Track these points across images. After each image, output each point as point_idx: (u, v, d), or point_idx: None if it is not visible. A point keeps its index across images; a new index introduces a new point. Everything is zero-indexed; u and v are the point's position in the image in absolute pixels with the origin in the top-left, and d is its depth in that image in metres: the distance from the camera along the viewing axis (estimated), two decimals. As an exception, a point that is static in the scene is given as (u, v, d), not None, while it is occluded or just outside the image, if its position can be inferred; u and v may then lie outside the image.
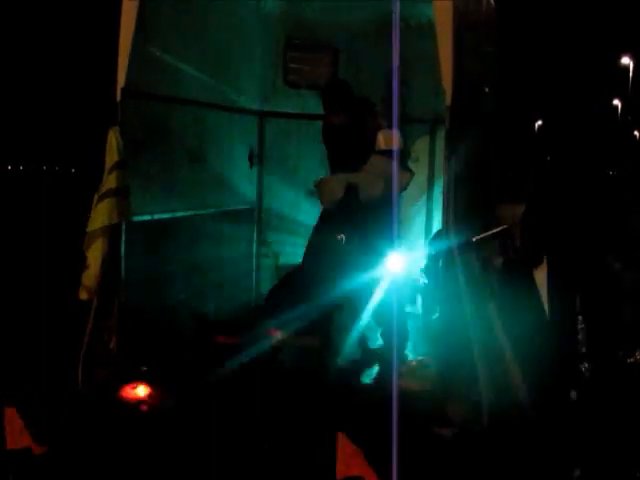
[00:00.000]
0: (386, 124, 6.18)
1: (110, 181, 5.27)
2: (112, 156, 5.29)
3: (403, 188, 6.28)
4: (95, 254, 5.23)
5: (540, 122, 62.06)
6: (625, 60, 51.09)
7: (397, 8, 5.52)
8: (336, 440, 4.20)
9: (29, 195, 24.81)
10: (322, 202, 6.18)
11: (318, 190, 6.20)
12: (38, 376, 5.48)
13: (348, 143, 6.13)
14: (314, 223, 6.52)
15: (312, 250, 6.37)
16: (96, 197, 5.29)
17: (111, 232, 5.28)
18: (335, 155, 6.28)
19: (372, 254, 6.12)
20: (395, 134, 6.08)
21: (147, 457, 4.53)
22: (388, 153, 5.98)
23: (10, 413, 4.48)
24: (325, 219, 6.22)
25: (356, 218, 6.09)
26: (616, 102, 56.42)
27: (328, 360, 5.76)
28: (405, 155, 6.31)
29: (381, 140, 6.00)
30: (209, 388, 5.13)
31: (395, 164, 5.99)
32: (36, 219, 16.47)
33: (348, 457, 4.12)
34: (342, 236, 6.06)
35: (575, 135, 51.36)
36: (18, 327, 7.02)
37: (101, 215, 5.23)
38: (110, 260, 5.30)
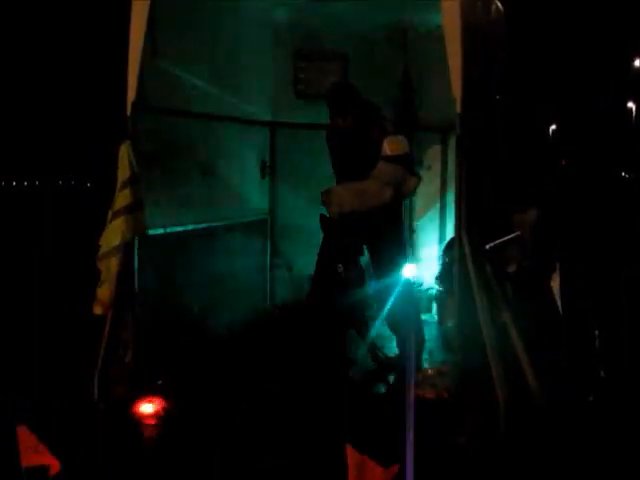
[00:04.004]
0: (392, 129, 6.13)
1: (124, 197, 5.27)
2: (124, 171, 5.29)
3: (412, 193, 6.26)
4: (110, 270, 5.24)
5: (554, 127, 61.90)
6: (639, 62, 50.94)
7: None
8: (347, 451, 4.18)
9: (46, 209, 24.94)
10: (329, 212, 6.13)
11: (325, 200, 6.14)
12: (52, 391, 5.48)
13: (354, 147, 6.08)
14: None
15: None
16: (110, 213, 5.29)
17: (125, 247, 5.30)
18: (341, 162, 6.23)
19: (384, 262, 6.10)
20: (401, 139, 6.04)
21: (162, 471, 4.52)
22: (395, 159, 5.94)
23: (22, 431, 4.48)
24: (333, 229, 6.16)
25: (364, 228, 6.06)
26: (630, 105, 56.23)
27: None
28: (412, 160, 6.26)
29: (387, 146, 5.95)
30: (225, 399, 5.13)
31: (402, 170, 5.96)
32: (52, 232, 16.56)
33: (360, 468, 4.10)
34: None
35: (588, 139, 51.21)
36: (33, 341, 7.04)
37: (117, 233, 5.24)
38: (124, 274, 5.31)
